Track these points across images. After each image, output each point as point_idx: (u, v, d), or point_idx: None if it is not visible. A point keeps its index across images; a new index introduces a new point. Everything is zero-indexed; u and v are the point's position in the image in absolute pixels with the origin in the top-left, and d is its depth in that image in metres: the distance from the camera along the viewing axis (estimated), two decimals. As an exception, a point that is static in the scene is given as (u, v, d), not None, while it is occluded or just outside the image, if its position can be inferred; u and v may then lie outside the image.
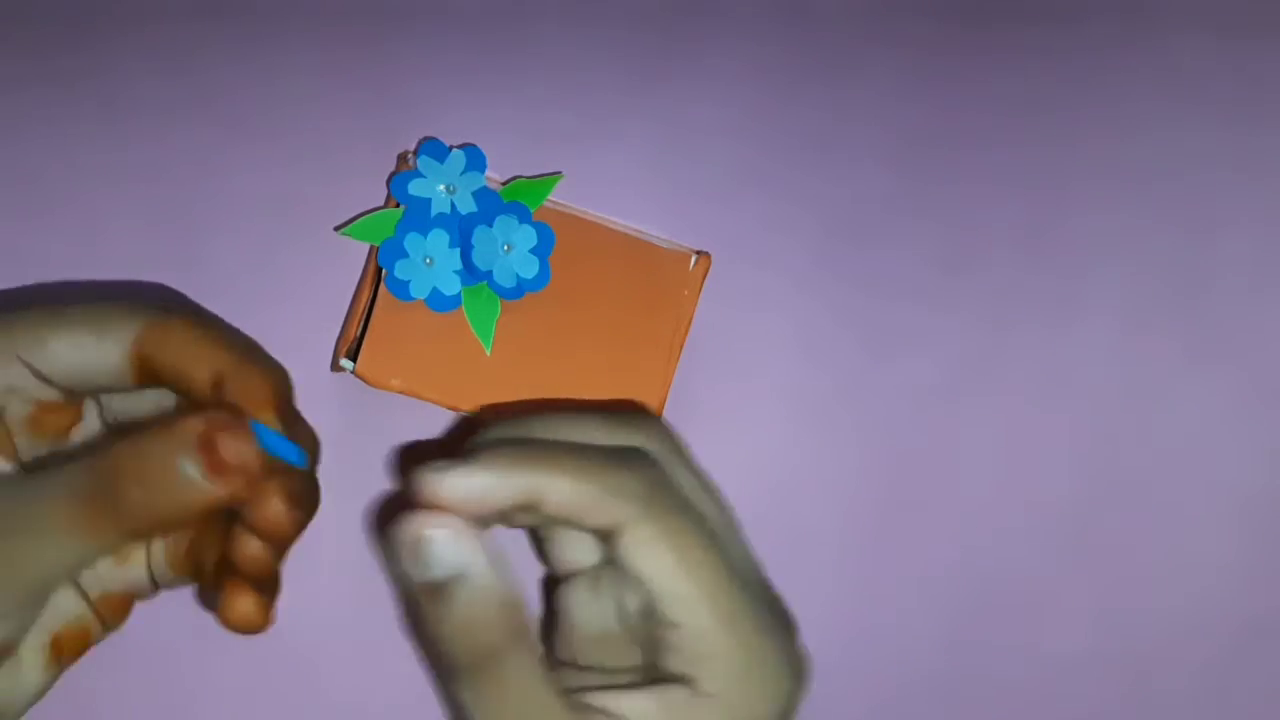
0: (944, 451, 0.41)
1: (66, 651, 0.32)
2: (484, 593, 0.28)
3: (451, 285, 0.37)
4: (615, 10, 0.41)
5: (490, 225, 0.37)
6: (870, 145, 0.41)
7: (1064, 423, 0.41)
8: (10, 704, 0.31)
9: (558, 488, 0.29)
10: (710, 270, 0.38)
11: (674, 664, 0.30)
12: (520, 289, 0.37)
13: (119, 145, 0.39)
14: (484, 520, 0.29)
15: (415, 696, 0.39)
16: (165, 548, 0.33)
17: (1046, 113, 0.41)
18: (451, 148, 0.37)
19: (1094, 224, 0.41)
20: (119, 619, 0.33)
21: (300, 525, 0.31)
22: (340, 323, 0.39)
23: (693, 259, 0.38)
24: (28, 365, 0.31)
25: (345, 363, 0.37)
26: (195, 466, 0.28)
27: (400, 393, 0.37)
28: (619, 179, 0.40)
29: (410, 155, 0.37)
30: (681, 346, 0.38)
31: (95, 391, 0.32)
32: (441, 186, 0.37)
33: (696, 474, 0.32)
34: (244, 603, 0.31)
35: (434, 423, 0.39)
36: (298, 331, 0.39)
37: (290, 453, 0.30)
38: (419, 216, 0.37)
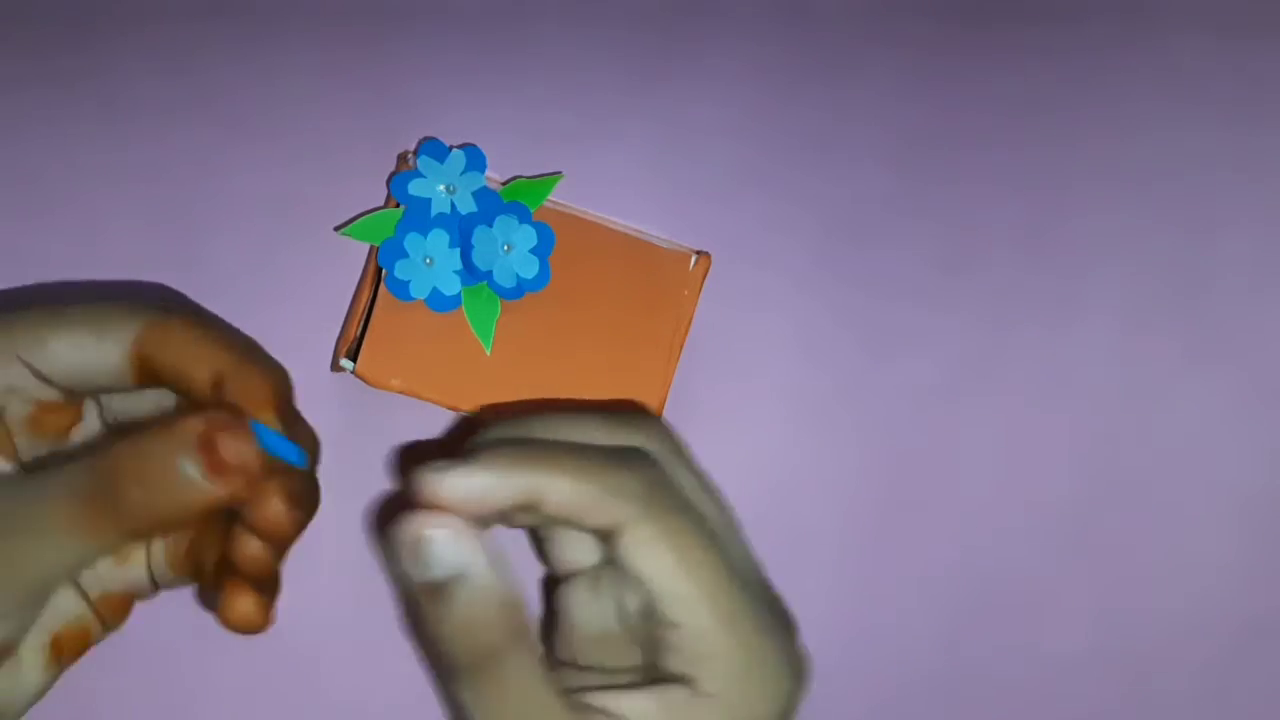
0: (944, 451, 0.41)
1: (66, 652, 0.32)
2: (484, 593, 0.28)
3: (451, 285, 0.37)
4: (615, 10, 0.41)
5: (490, 225, 0.37)
6: (870, 145, 0.41)
7: (1064, 423, 0.41)
8: (10, 704, 0.31)
9: (558, 488, 0.29)
10: (710, 270, 0.38)
11: (674, 664, 0.30)
12: (520, 289, 0.37)
13: (119, 145, 0.39)
14: (484, 520, 0.29)
15: (415, 696, 0.39)
16: (165, 548, 0.33)
17: (1046, 113, 0.41)
18: (451, 148, 0.37)
19: (1094, 224, 0.41)
20: (119, 619, 0.33)
21: (300, 525, 0.31)
22: (340, 323, 0.39)
23: (693, 259, 0.38)
24: (28, 365, 0.31)
25: (345, 363, 0.37)
26: (195, 466, 0.28)
27: (400, 393, 0.37)
28: (619, 179, 0.40)
29: (410, 155, 0.37)
30: (681, 346, 0.38)
31: (95, 392, 0.32)
32: (441, 186, 0.37)
33: (697, 474, 0.32)
34: (244, 603, 0.31)
35: (434, 423, 0.39)
36: (298, 331, 0.39)
37: (290, 452, 0.30)
38: (419, 216, 0.37)
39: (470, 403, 0.37)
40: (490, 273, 0.37)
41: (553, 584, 0.34)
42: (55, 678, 0.32)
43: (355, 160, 0.39)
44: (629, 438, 0.31)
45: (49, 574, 0.29)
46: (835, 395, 0.41)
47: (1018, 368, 0.41)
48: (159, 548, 0.33)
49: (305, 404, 0.39)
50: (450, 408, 0.37)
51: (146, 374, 0.31)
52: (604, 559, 0.32)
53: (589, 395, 0.37)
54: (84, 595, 0.32)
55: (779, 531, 0.38)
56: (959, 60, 0.41)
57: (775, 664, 0.30)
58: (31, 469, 0.32)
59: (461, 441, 0.34)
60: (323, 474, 0.39)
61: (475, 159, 0.37)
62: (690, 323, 0.38)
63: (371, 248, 0.38)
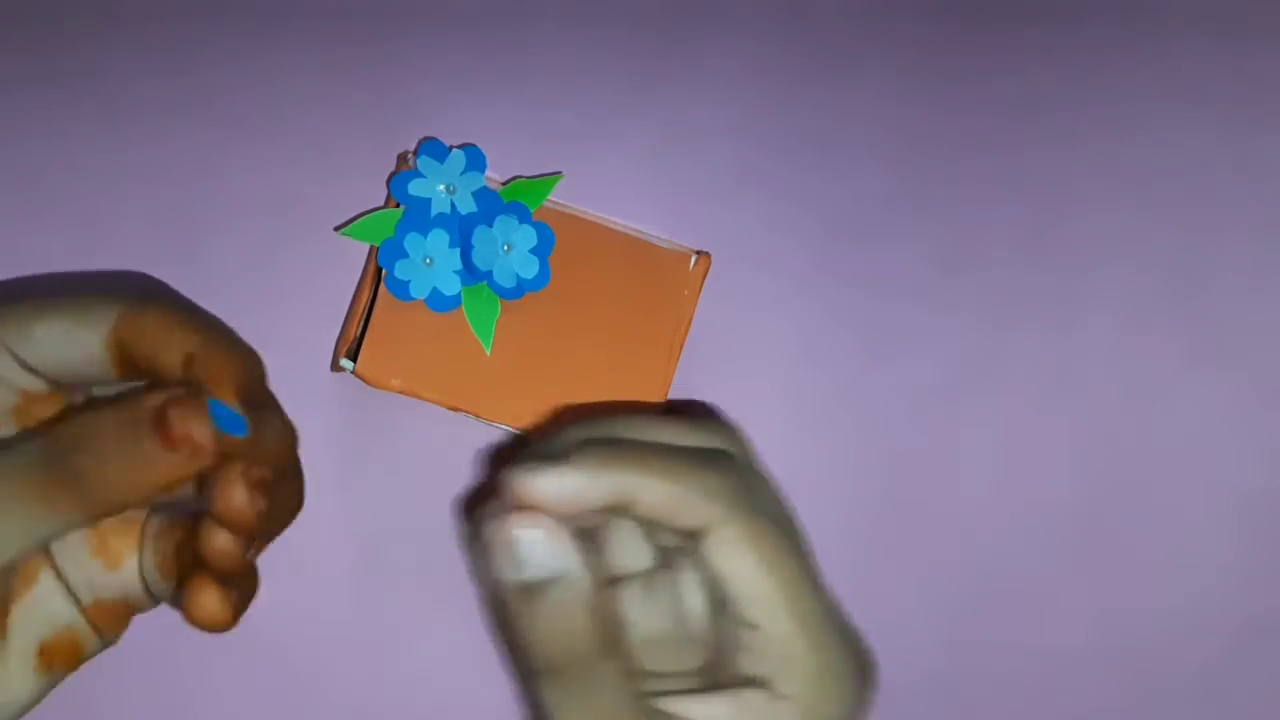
0: (944, 451, 0.41)
1: (58, 660, 0.31)
2: (576, 595, 0.29)
3: (451, 285, 0.37)
4: (615, 10, 0.41)
5: (490, 225, 0.37)
6: (870, 145, 0.41)
7: (1064, 423, 0.41)
8: None
9: (650, 488, 0.29)
10: (710, 270, 0.38)
11: (749, 666, 0.30)
12: (520, 289, 0.37)
13: (119, 145, 0.39)
14: (574, 520, 0.29)
15: (415, 697, 0.39)
16: (155, 550, 0.32)
17: (1046, 113, 0.41)
18: (451, 148, 0.37)
19: (1094, 224, 0.41)
20: (114, 629, 0.33)
21: (263, 514, 0.30)
22: (340, 323, 0.39)
23: (693, 259, 0.38)
24: (13, 354, 0.31)
25: (345, 363, 0.37)
26: (149, 439, 0.28)
27: (400, 393, 0.37)
28: (619, 179, 0.40)
29: (410, 155, 0.37)
30: (681, 346, 0.38)
31: (80, 382, 0.32)
32: (441, 186, 0.37)
33: (766, 478, 0.32)
34: (208, 597, 0.30)
35: (434, 423, 0.39)
36: (298, 331, 0.39)
37: (238, 428, 0.29)
38: (419, 216, 0.37)
39: (470, 403, 0.37)
40: (490, 273, 0.37)
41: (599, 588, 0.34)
42: (47, 687, 0.31)
43: (355, 160, 0.39)
44: (709, 440, 0.32)
45: (8, 543, 0.29)
46: (835, 395, 0.41)
47: (1018, 368, 0.41)
48: (150, 551, 0.32)
49: (305, 404, 0.39)
50: (450, 408, 0.37)
51: (126, 362, 0.31)
52: (658, 562, 0.33)
53: (589, 395, 0.37)
54: (76, 602, 0.32)
55: (779, 531, 0.38)
56: (959, 60, 0.41)
57: (847, 666, 0.31)
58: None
59: (529, 443, 0.34)
60: (323, 474, 0.39)
61: (475, 159, 0.37)
62: (690, 323, 0.38)
63: (371, 248, 0.38)
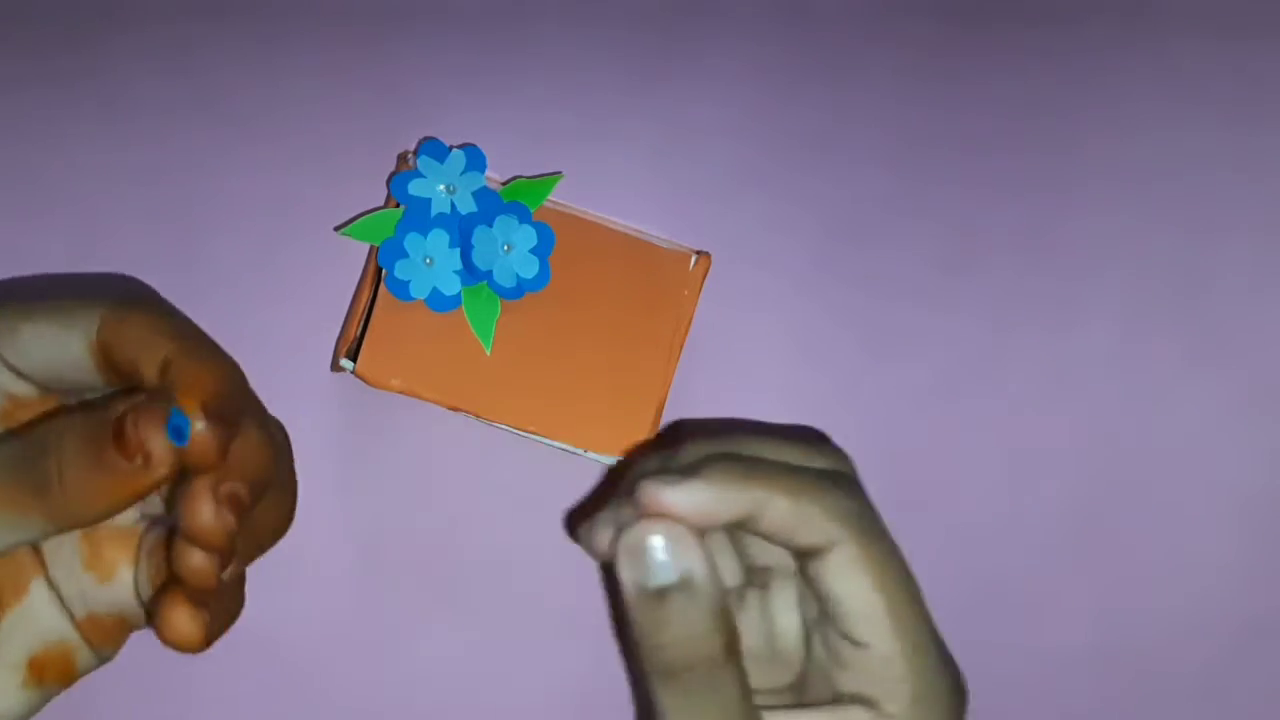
0: (944, 451, 0.41)
1: (49, 675, 0.31)
2: (705, 601, 0.29)
3: (451, 285, 0.37)
4: (615, 10, 0.41)
5: (490, 225, 0.37)
6: (870, 146, 0.41)
7: (1064, 423, 0.41)
8: None
9: (777, 505, 0.30)
10: (710, 270, 0.38)
11: (854, 684, 0.31)
12: (520, 289, 0.37)
13: (119, 145, 0.39)
14: (701, 534, 0.30)
15: (415, 697, 0.39)
16: (151, 564, 0.31)
17: (1046, 114, 0.41)
18: (451, 148, 0.37)
19: (1094, 224, 0.41)
20: (109, 645, 0.32)
21: (233, 530, 0.29)
22: (340, 323, 0.39)
23: (693, 259, 0.38)
24: (1, 359, 0.31)
25: (345, 363, 0.37)
26: (109, 447, 0.27)
27: (400, 393, 0.37)
28: (619, 179, 0.40)
29: (410, 155, 0.37)
30: (681, 346, 0.38)
31: (68, 387, 0.32)
32: (441, 186, 0.37)
33: (872, 502, 0.33)
34: (178, 615, 0.29)
35: (434, 423, 0.39)
36: (298, 331, 0.39)
37: (180, 437, 0.28)
38: (419, 216, 0.37)
39: (470, 403, 0.37)
40: (490, 273, 0.37)
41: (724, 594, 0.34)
42: (38, 702, 0.31)
43: (355, 160, 0.39)
44: (827, 462, 0.32)
45: None
46: (835, 395, 0.41)
47: (1018, 368, 0.41)
48: (145, 566, 0.31)
49: (305, 404, 0.39)
50: (450, 408, 0.37)
51: (110, 367, 0.30)
52: (747, 579, 0.33)
53: (589, 395, 0.37)
54: (69, 616, 0.31)
55: (779, 531, 0.38)
56: (959, 61, 0.41)
57: (949, 687, 0.31)
58: None
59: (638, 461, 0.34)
60: (323, 474, 0.39)
61: (475, 159, 0.37)
62: (690, 323, 0.38)
63: (371, 248, 0.38)
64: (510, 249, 0.37)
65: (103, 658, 0.32)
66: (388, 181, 0.39)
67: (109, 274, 0.39)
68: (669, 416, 0.38)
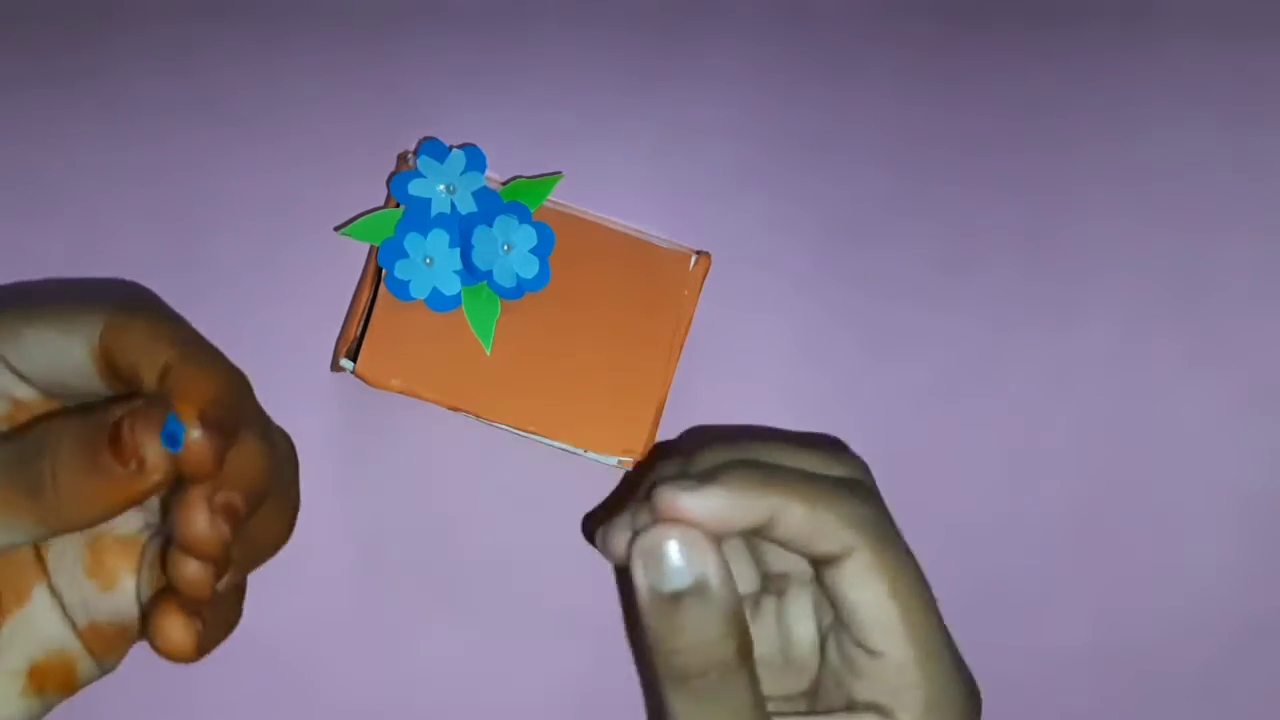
0: (944, 451, 0.41)
1: (50, 683, 0.31)
2: (720, 606, 0.29)
3: (451, 285, 0.37)
4: (615, 10, 0.41)
5: (490, 225, 0.37)
6: (870, 146, 0.41)
7: (1064, 423, 0.41)
8: None
9: (794, 513, 0.30)
10: (710, 270, 0.38)
11: (866, 692, 0.31)
12: (520, 289, 0.37)
13: (119, 145, 0.39)
14: (717, 540, 0.30)
15: (415, 697, 0.39)
16: (153, 574, 0.31)
17: (1047, 114, 0.41)
18: (451, 148, 0.37)
19: (1094, 225, 0.41)
20: (110, 654, 0.32)
21: (227, 540, 0.28)
22: (340, 323, 0.39)
23: (693, 259, 0.38)
24: (4, 360, 0.30)
25: (345, 363, 0.37)
26: (104, 451, 0.27)
27: (400, 393, 0.37)
28: (619, 179, 0.40)
29: (410, 155, 0.37)
30: (681, 346, 0.38)
31: (69, 391, 0.31)
32: (441, 186, 0.37)
33: (888, 510, 0.33)
34: (170, 624, 0.28)
35: (434, 423, 0.39)
36: (298, 331, 0.39)
37: (174, 444, 0.28)
38: (419, 216, 0.37)
39: (470, 403, 0.37)
40: (490, 273, 0.37)
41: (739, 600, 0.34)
42: (38, 710, 0.31)
43: (355, 160, 0.39)
44: (842, 468, 0.32)
45: None
46: (835, 395, 0.41)
47: (1018, 368, 0.41)
48: (148, 574, 0.31)
49: (305, 404, 0.39)
50: (450, 408, 0.37)
51: (111, 372, 0.30)
52: (762, 586, 0.34)
53: (589, 395, 0.37)
54: (71, 624, 0.31)
55: (779, 531, 0.38)
56: (959, 61, 0.41)
57: (962, 694, 0.31)
58: None
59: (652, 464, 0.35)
60: (323, 474, 0.39)
61: (475, 159, 0.37)
62: (690, 323, 0.38)
63: (371, 248, 0.38)
64: (510, 249, 0.37)
65: (105, 668, 0.32)
66: (388, 181, 0.39)
67: (112, 279, 0.39)
68: (669, 416, 0.38)
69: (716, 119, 0.41)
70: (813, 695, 0.33)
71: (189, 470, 0.27)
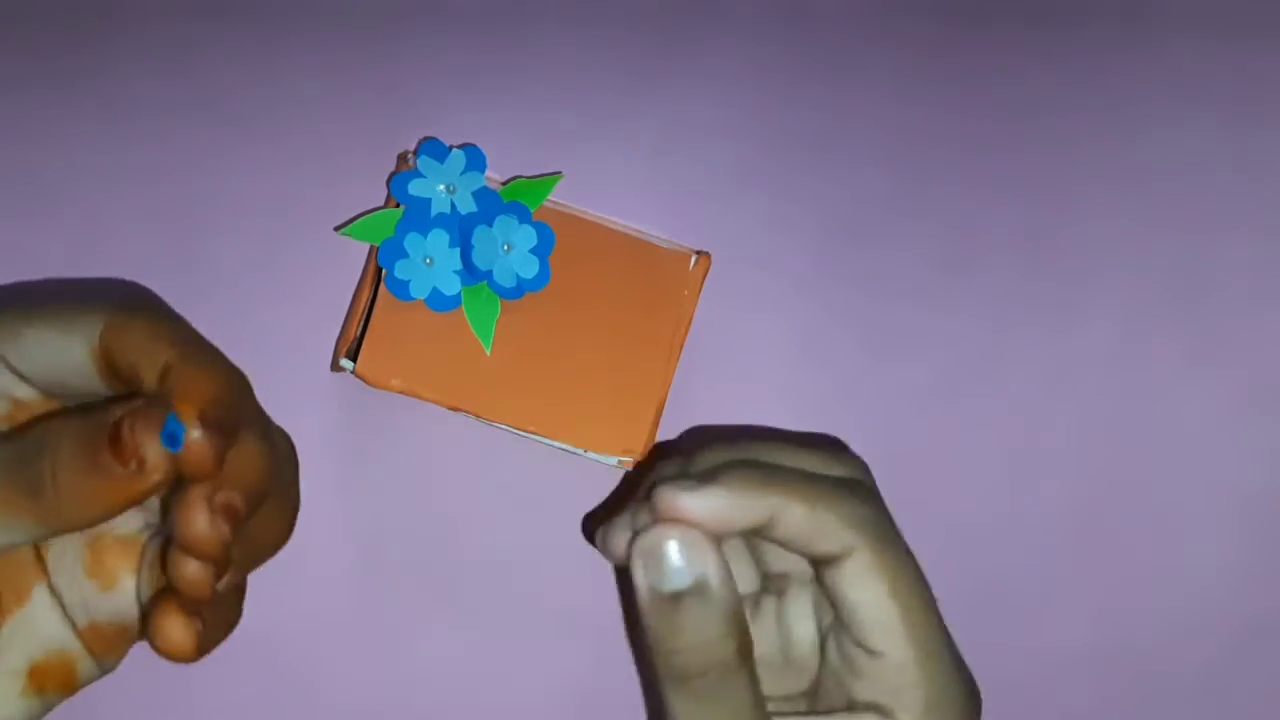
0: (944, 451, 0.41)
1: (50, 683, 0.31)
2: (721, 606, 0.29)
3: (451, 285, 0.37)
4: (615, 10, 0.41)
5: (490, 225, 0.37)
6: (870, 146, 0.41)
7: (1064, 423, 0.41)
8: None
9: (794, 513, 0.30)
10: (710, 270, 0.38)
11: (866, 693, 0.31)
12: (520, 289, 0.37)
13: (119, 145, 0.39)
14: (718, 540, 0.30)
15: (415, 697, 0.39)
16: (153, 574, 0.31)
17: (1046, 114, 0.41)
18: (451, 148, 0.37)
19: (1094, 225, 0.41)
20: (110, 655, 0.32)
21: (227, 541, 0.28)
22: (340, 323, 0.39)
23: (693, 259, 0.38)
24: (4, 359, 0.30)
25: (345, 363, 0.37)
26: (104, 451, 0.27)
27: (400, 393, 0.37)
28: (619, 179, 0.40)
29: (410, 155, 0.37)
30: (681, 346, 0.38)
31: (70, 391, 0.31)
32: (441, 186, 0.37)
33: (888, 510, 0.33)
34: (170, 624, 0.28)
35: (434, 423, 0.39)
36: (298, 331, 0.39)
37: (174, 444, 0.28)
38: (419, 216, 0.37)
39: (470, 403, 0.37)
40: (490, 273, 0.37)
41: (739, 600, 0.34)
42: (38, 710, 0.31)
43: (355, 160, 0.39)
44: (843, 469, 0.32)
45: None
46: (835, 395, 0.41)
47: (1018, 368, 0.41)
48: (148, 575, 0.31)
49: (305, 404, 0.39)
50: (450, 408, 0.37)
51: (111, 372, 0.30)
52: (763, 586, 0.34)
53: (589, 395, 0.37)
54: (71, 624, 0.31)
55: (779, 531, 0.38)
56: (959, 61, 0.41)
57: (962, 694, 0.31)
58: None
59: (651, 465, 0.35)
60: (323, 474, 0.39)
61: (475, 159, 0.37)
62: (690, 323, 0.38)
63: (371, 248, 0.38)
64: (510, 249, 0.37)
65: (105, 668, 0.32)
66: (388, 181, 0.39)
67: (112, 279, 0.39)
68: (669, 416, 0.38)
69: (716, 119, 0.41)
70: (813, 695, 0.33)
71: (189, 470, 0.27)
